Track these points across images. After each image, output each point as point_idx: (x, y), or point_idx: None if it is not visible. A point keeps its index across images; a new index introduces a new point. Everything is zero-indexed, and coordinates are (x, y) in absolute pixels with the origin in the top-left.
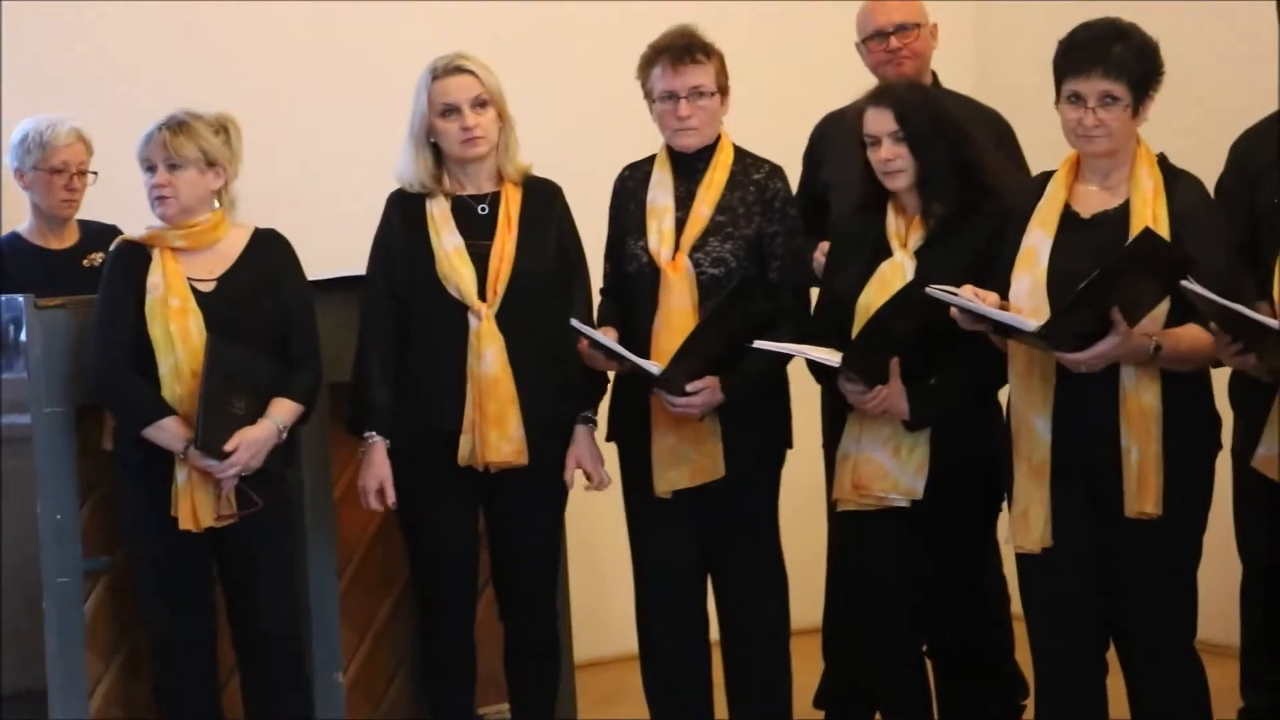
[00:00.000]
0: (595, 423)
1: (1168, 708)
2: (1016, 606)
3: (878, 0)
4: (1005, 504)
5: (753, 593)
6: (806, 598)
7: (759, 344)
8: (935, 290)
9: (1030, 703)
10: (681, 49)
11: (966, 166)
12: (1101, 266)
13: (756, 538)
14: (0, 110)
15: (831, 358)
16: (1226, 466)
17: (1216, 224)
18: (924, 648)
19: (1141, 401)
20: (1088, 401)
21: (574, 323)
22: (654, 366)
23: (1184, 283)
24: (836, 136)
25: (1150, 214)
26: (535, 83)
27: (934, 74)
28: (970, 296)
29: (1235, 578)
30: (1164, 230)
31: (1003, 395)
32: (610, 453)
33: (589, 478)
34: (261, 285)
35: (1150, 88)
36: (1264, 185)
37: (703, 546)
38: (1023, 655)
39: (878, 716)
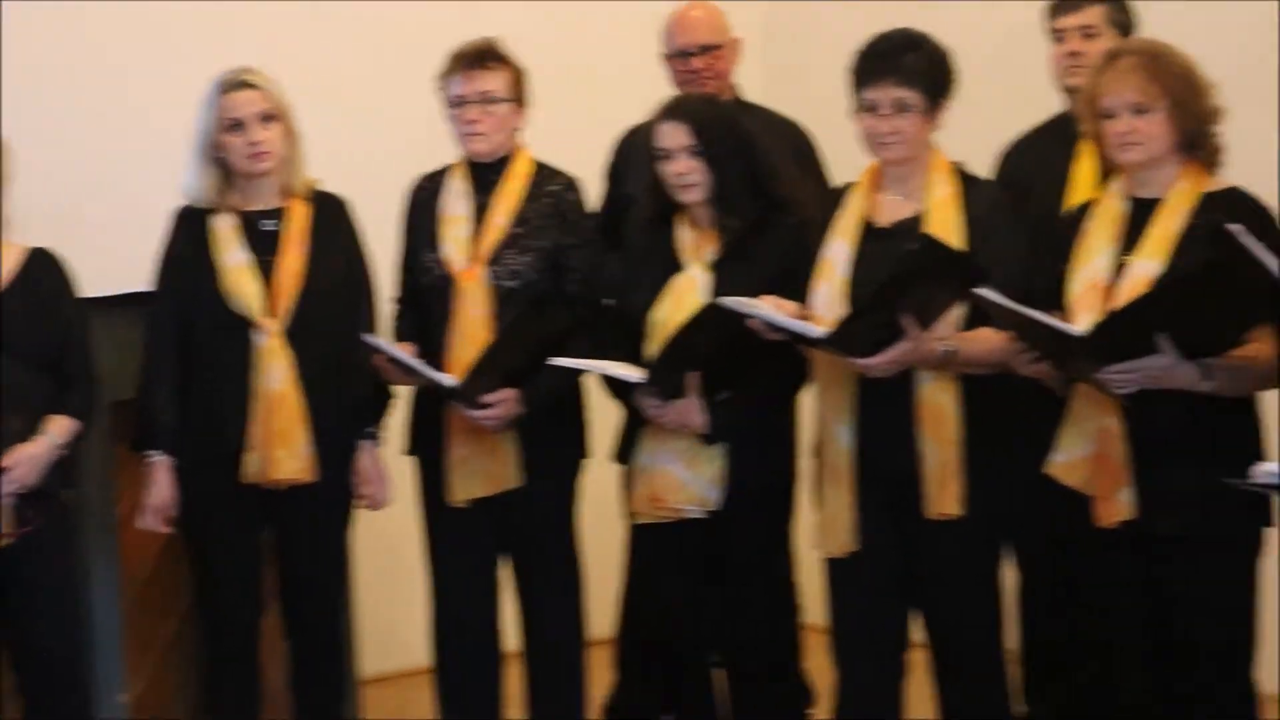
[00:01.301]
0: (378, 439)
1: (970, 712)
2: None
3: (682, 17)
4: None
5: (550, 603)
6: (604, 608)
7: (557, 361)
8: (731, 301)
9: (816, 711)
10: (474, 56)
11: (760, 180)
12: (887, 273)
13: (554, 548)
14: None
15: (630, 373)
16: None
17: (1012, 231)
18: (714, 658)
19: (938, 405)
20: (887, 406)
21: (366, 338)
22: (448, 380)
23: (979, 290)
24: (638, 151)
25: (945, 221)
26: (327, 94)
27: (734, 87)
28: (769, 307)
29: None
30: (958, 237)
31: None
32: (409, 466)
33: (367, 496)
34: (37, 304)
35: (943, 95)
36: (1036, 194)
37: (500, 557)
38: (811, 663)
39: None
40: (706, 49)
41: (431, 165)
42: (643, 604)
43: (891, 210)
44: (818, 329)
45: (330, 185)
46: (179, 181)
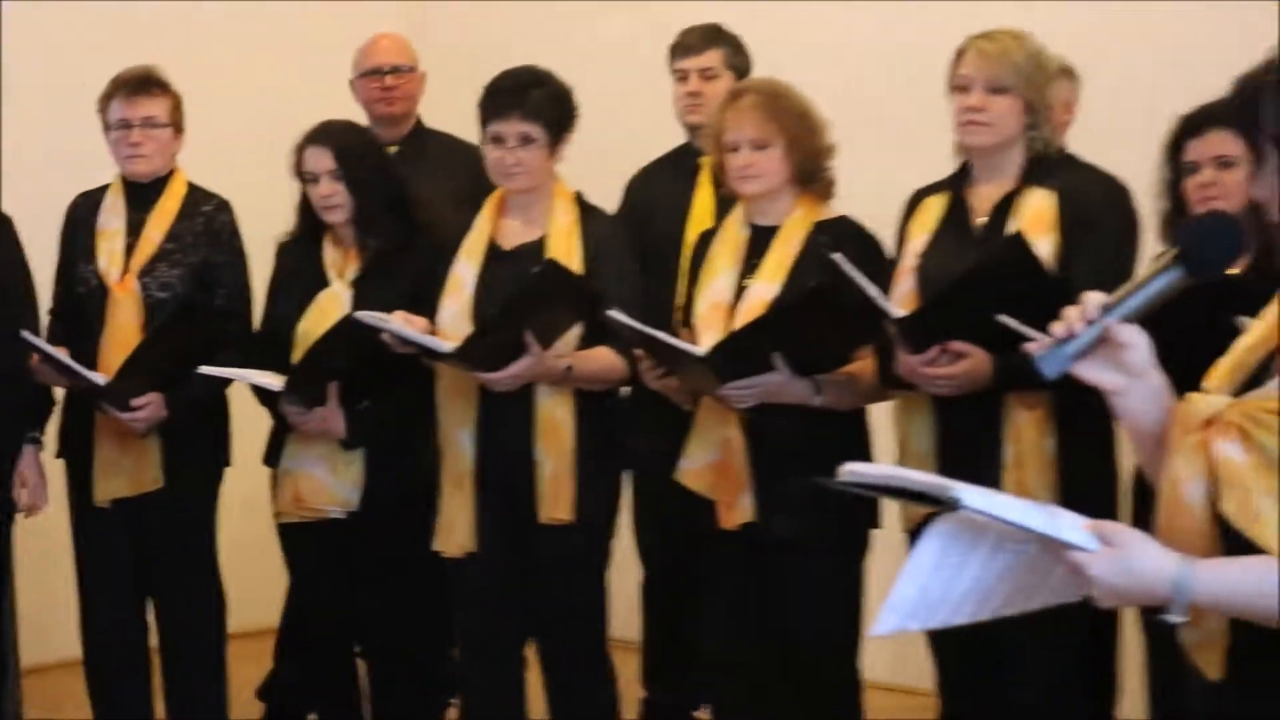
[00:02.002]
0: (40, 442)
1: (579, 699)
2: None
3: (374, 42)
4: None
5: (186, 600)
6: (257, 601)
7: (205, 370)
8: (365, 316)
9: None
10: (138, 82)
11: (402, 204)
12: (512, 293)
13: (191, 549)
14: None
15: (273, 382)
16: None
17: (628, 256)
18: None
19: (555, 418)
20: (507, 418)
21: (24, 335)
22: (100, 378)
23: (609, 312)
24: None
25: (566, 246)
26: None
27: (418, 115)
28: (400, 323)
29: (637, 579)
30: (576, 261)
31: None
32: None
33: (25, 500)
34: None
35: (565, 129)
36: (658, 219)
37: (141, 557)
38: None
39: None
40: (398, 69)
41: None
42: (291, 598)
43: (516, 235)
44: (446, 344)
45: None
46: None
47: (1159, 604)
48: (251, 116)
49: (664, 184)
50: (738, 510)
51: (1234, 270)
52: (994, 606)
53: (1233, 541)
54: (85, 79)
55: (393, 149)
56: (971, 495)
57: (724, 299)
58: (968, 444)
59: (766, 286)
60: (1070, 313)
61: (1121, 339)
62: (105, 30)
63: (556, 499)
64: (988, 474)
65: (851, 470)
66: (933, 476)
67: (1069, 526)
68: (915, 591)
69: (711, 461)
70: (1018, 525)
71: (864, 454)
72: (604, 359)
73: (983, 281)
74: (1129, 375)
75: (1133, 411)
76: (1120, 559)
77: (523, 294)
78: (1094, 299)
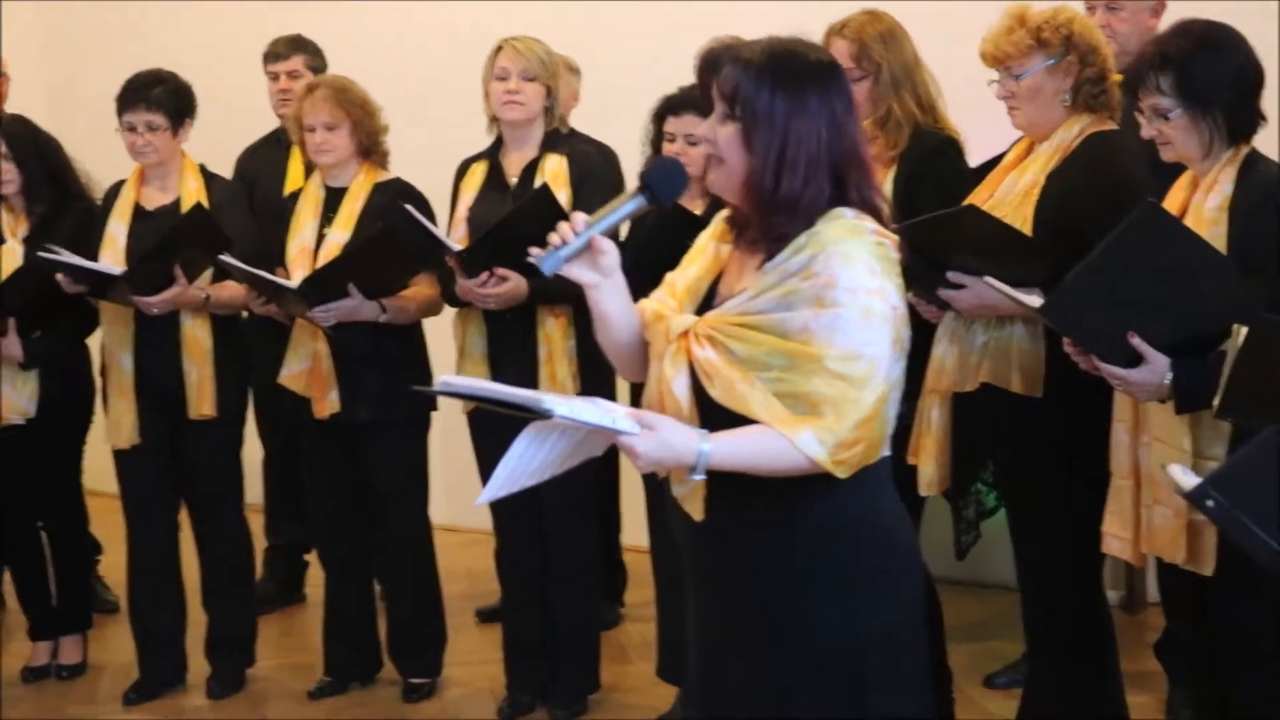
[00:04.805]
0: None
1: (222, 548)
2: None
3: None
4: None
5: None
6: None
7: None
8: (48, 257)
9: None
10: None
11: (60, 176)
12: (160, 238)
13: None
14: None
15: None
16: None
17: (243, 213)
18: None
19: (198, 337)
20: (159, 337)
21: None
22: None
23: (220, 257)
24: None
25: (195, 200)
26: None
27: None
28: (78, 258)
29: (257, 456)
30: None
31: None
32: None
33: None
34: None
35: (185, 116)
36: (261, 183)
37: None
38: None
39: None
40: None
41: None
42: None
43: (155, 198)
44: (116, 269)
45: None
46: None
47: (686, 467)
48: None
49: (266, 156)
50: (327, 403)
51: (695, 208)
52: (551, 472)
53: (709, 420)
54: None
55: None
56: (559, 405)
57: (308, 244)
58: (511, 345)
59: (340, 234)
60: (563, 226)
61: (600, 247)
62: None
63: (201, 399)
64: (528, 369)
65: (446, 381)
66: (526, 392)
67: (620, 418)
68: (505, 473)
69: (304, 368)
70: (592, 425)
71: (421, 357)
72: (231, 290)
73: (518, 223)
74: (602, 275)
75: (602, 300)
76: (658, 438)
77: (164, 240)
78: (580, 217)
